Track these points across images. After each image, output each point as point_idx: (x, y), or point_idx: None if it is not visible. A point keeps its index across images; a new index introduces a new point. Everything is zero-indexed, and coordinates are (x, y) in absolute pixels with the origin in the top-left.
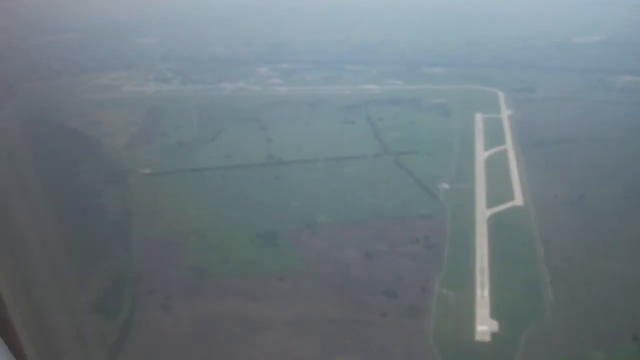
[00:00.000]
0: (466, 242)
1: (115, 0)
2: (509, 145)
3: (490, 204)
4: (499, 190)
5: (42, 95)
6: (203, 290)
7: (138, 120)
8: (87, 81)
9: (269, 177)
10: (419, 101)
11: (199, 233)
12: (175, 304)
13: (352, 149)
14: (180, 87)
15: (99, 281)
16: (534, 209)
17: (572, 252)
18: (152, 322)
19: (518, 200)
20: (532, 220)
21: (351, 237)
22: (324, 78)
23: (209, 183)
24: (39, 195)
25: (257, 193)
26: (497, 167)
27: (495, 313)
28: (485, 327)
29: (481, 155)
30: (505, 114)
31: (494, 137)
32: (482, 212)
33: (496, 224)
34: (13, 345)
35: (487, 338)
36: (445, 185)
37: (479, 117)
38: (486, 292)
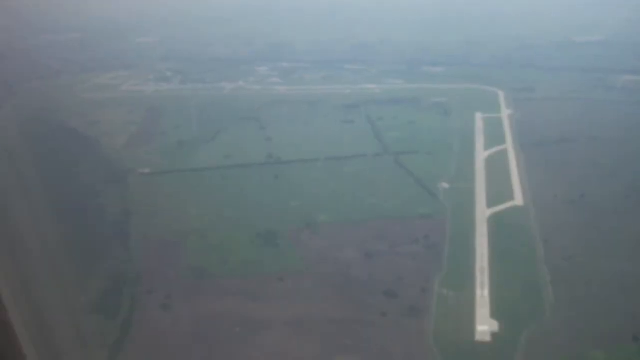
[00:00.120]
0: (466, 242)
1: (115, 0)
2: (509, 145)
3: (490, 203)
4: (499, 190)
5: (41, 95)
6: (203, 290)
7: (137, 119)
8: (87, 81)
9: (268, 177)
10: (419, 101)
11: (199, 233)
12: (175, 304)
13: (352, 148)
14: (179, 86)
15: (99, 281)
16: (534, 208)
17: (572, 251)
18: (152, 322)
19: (518, 199)
20: (532, 220)
21: (351, 237)
22: (324, 77)
23: (208, 183)
24: (39, 195)
25: (257, 193)
26: (497, 167)
27: (495, 313)
28: (485, 327)
29: (481, 154)
30: (505, 113)
31: (494, 136)
32: (482, 212)
33: (496, 223)
34: (13, 346)
35: (487, 338)
36: (445, 185)
37: (479, 117)
38: (486, 292)
